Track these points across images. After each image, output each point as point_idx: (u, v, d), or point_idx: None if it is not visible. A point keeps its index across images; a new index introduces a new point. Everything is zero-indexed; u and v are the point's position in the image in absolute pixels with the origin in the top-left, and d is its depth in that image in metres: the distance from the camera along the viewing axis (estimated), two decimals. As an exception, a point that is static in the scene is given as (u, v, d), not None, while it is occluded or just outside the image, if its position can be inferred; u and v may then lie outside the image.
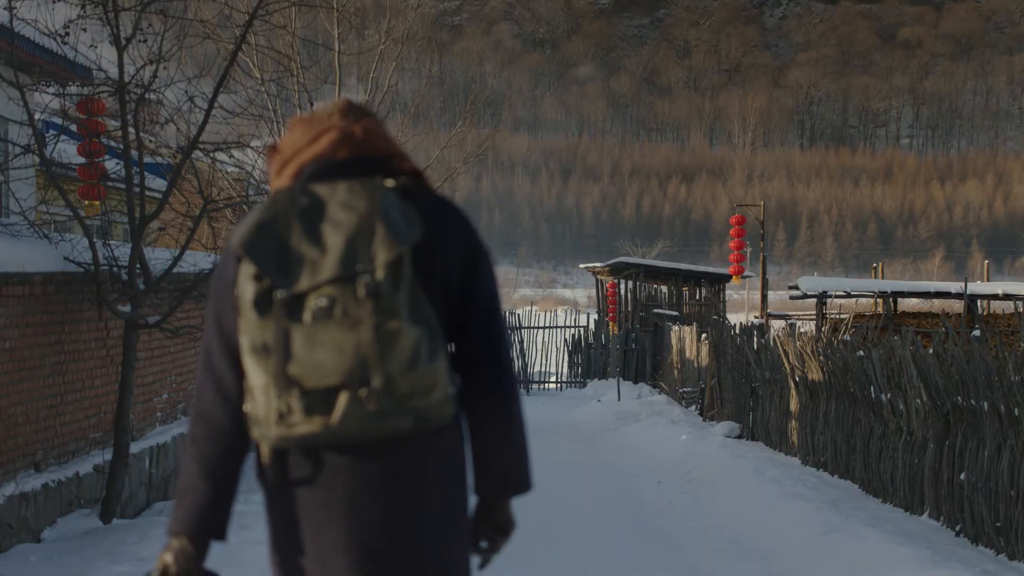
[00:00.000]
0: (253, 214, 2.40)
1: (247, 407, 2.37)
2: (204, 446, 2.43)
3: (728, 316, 27.08)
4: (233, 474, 2.45)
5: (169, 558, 2.39)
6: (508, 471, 2.54)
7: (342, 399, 2.24)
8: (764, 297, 21.30)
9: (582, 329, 28.62)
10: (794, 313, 29.87)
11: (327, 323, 2.25)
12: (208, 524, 2.42)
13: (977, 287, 21.95)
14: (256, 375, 2.30)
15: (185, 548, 2.40)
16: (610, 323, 29.22)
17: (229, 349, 2.42)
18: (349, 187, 2.38)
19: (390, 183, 2.42)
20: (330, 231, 2.33)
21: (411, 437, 2.33)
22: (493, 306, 2.52)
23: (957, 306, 24.26)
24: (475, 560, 2.59)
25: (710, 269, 32.13)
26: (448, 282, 2.43)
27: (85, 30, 8.01)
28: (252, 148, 10.80)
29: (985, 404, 7.64)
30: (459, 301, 2.45)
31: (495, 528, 2.58)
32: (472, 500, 2.57)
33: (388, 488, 2.35)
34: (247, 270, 2.33)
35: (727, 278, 29.08)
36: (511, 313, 28.37)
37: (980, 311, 22.28)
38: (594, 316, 32.72)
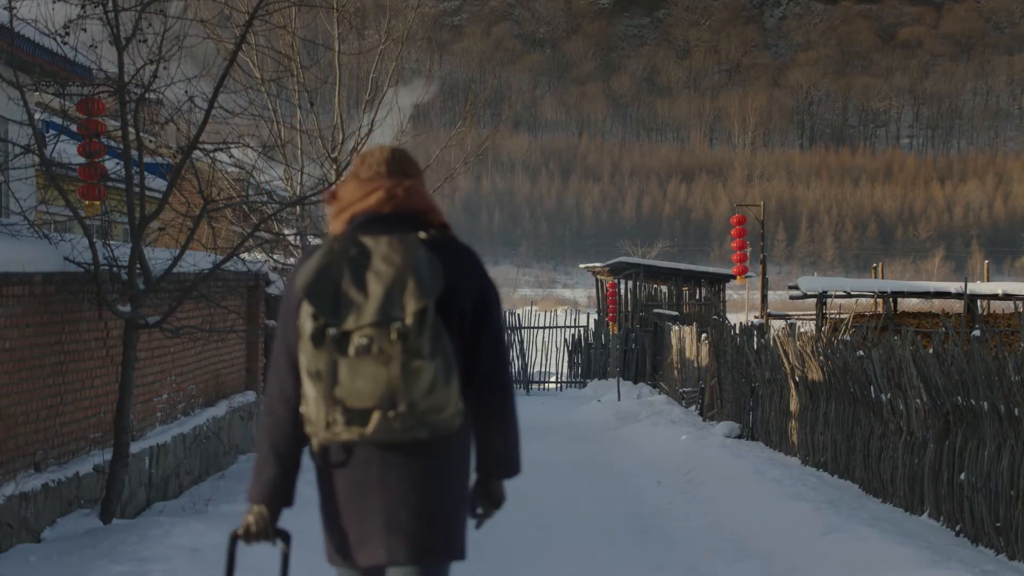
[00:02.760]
0: (315, 259, 3.06)
1: (303, 408, 3.06)
2: (271, 434, 3.15)
3: (728, 316, 27.07)
4: (295, 455, 3.16)
5: (251, 519, 3.13)
6: (503, 460, 3.26)
7: (375, 417, 2.95)
8: (764, 297, 21.29)
9: (582, 329, 28.61)
10: (794, 313, 29.86)
11: (366, 358, 2.94)
12: (278, 494, 3.15)
13: (977, 287, 21.94)
14: (310, 391, 3.00)
15: (262, 512, 3.13)
16: (610, 323, 29.21)
17: (291, 359, 3.12)
18: (390, 242, 3.06)
19: (423, 236, 3.10)
20: (372, 280, 3.00)
21: (428, 442, 3.05)
22: (498, 337, 3.22)
23: (957, 306, 24.25)
24: (472, 523, 3.30)
25: (710, 269, 32.13)
26: (463, 317, 3.13)
27: (85, 30, 7.99)
28: (252, 148, 10.79)
29: (985, 404, 7.64)
30: (472, 332, 3.16)
31: (490, 500, 3.31)
32: (473, 478, 3.28)
33: (409, 474, 3.07)
34: (307, 309, 3.01)
35: (727, 278, 29.08)
36: (511, 313, 28.34)
37: (980, 311, 22.28)
38: (594, 316, 32.71)
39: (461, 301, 3.10)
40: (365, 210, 3.16)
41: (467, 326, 3.14)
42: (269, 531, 3.13)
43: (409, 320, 2.94)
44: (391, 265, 3.00)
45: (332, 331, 2.95)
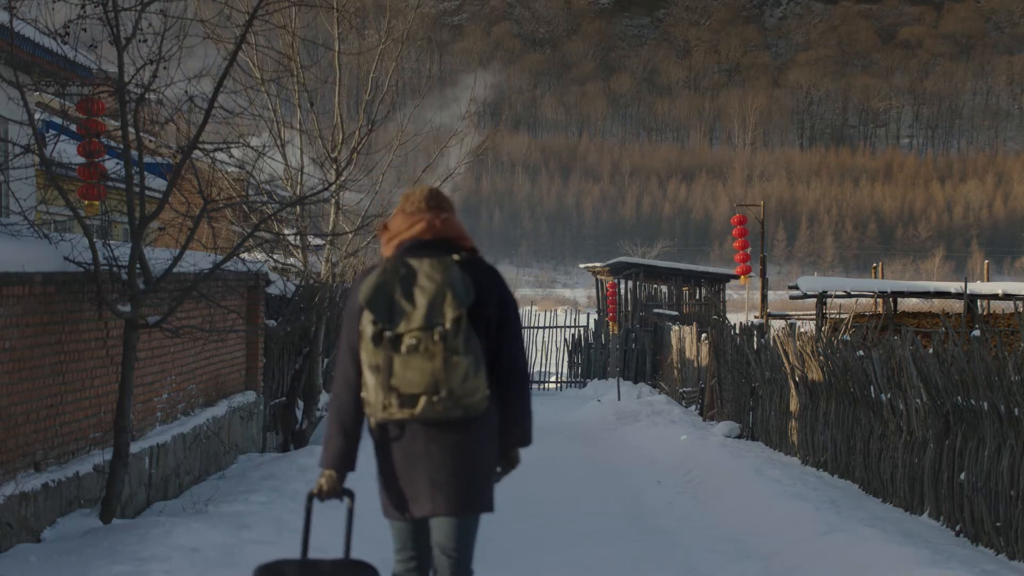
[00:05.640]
0: (373, 277, 3.98)
1: (363, 394, 3.97)
2: (338, 414, 4.06)
3: (728, 316, 27.06)
4: (357, 430, 4.07)
5: (323, 481, 4.02)
6: (520, 434, 4.22)
7: (422, 401, 3.86)
8: (764, 297, 21.27)
9: (582, 329, 28.60)
10: (794, 313, 29.85)
11: (415, 354, 3.85)
12: (344, 461, 4.07)
13: (977, 287, 21.93)
14: (370, 380, 3.92)
15: (332, 476, 4.04)
16: (610, 323, 29.20)
17: (353, 355, 4.02)
18: (431, 263, 3.97)
19: (456, 258, 4.02)
20: (418, 293, 3.91)
21: (463, 419, 3.94)
22: (517, 337, 4.16)
23: (957, 306, 24.25)
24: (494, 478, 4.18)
25: (710, 269, 32.13)
26: (488, 323, 4.05)
27: (85, 30, 7.98)
28: (252, 148, 10.78)
29: (985, 404, 7.64)
30: (496, 333, 4.08)
31: (508, 462, 4.27)
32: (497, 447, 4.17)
33: (448, 446, 3.97)
34: (367, 317, 3.92)
35: (727, 278, 29.09)
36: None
37: (980, 311, 22.27)
38: (594, 316, 32.70)
39: (487, 309, 4.02)
40: (411, 237, 4.08)
41: (492, 329, 4.05)
42: (338, 490, 4.01)
43: (448, 325, 3.84)
44: (432, 282, 3.90)
45: (388, 334, 3.87)
